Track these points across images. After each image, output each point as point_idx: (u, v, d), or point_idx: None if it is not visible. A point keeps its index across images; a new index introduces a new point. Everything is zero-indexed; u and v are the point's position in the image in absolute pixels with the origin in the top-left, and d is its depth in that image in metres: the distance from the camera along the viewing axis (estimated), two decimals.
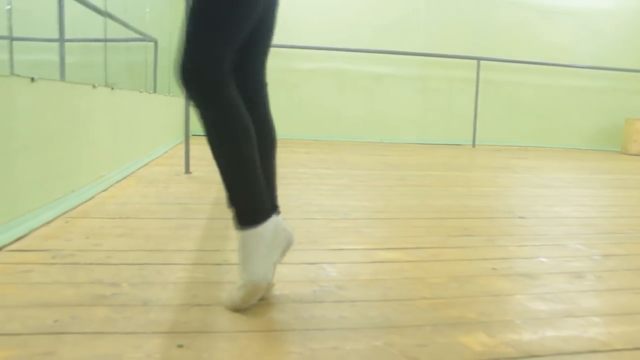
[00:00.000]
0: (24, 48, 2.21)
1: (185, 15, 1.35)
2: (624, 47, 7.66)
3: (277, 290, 1.53)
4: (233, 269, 1.69)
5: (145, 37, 4.33)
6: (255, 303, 1.41)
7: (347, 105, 7.18)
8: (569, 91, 7.69)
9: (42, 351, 1.12)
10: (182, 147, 4.55)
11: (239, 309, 1.37)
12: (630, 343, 1.28)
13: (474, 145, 7.19)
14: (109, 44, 3.35)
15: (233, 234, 1.90)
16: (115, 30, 3.48)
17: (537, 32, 7.48)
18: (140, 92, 4.02)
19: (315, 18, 6.98)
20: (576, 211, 2.88)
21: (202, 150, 4.21)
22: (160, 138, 4.85)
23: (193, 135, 4.07)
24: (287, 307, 1.41)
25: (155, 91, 4.63)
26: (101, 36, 3.23)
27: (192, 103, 1.35)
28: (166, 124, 5.24)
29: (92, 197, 2.65)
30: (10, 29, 2.00)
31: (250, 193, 1.36)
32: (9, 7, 1.99)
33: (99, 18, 3.18)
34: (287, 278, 1.64)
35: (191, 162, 3.79)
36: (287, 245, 1.47)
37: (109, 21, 3.32)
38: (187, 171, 3.67)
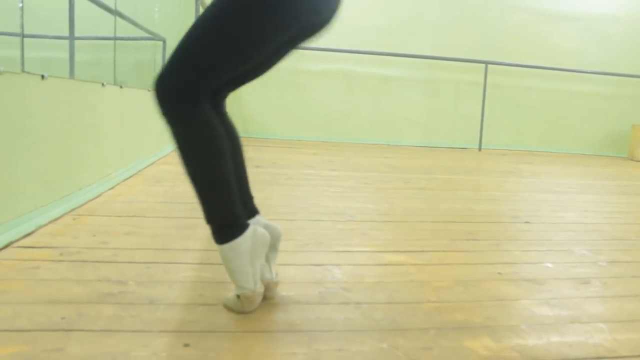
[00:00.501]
0: (35, 45, 2.22)
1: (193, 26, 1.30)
2: (631, 53, 7.64)
3: (283, 291, 1.53)
4: None
5: (154, 36, 4.34)
6: (260, 304, 1.41)
7: (354, 107, 7.18)
8: (576, 96, 7.66)
9: (50, 348, 1.13)
10: None
11: (242, 313, 1.38)
12: (636, 350, 1.28)
13: (480, 149, 7.18)
14: (118, 42, 3.36)
15: None
16: (124, 29, 3.49)
17: (545, 36, 7.46)
18: (149, 90, 4.03)
19: None
20: (582, 217, 2.88)
21: None
22: (168, 137, 4.86)
23: None
24: (292, 308, 1.42)
25: None
26: (111, 34, 3.25)
27: (164, 121, 1.31)
28: None
29: (99, 195, 2.66)
30: (22, 26, 2.02)
31: (225, 210, 1.34)
32: (21, 4, 2.00)
33: (109, 16, 3.20)
34: (293, 279, 1.64)
35: None
36: (275, 240, 1.47)
37: (119, 20, 3.33)
38: None
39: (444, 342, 1.27)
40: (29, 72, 2.03)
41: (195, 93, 1.27)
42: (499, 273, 1.82)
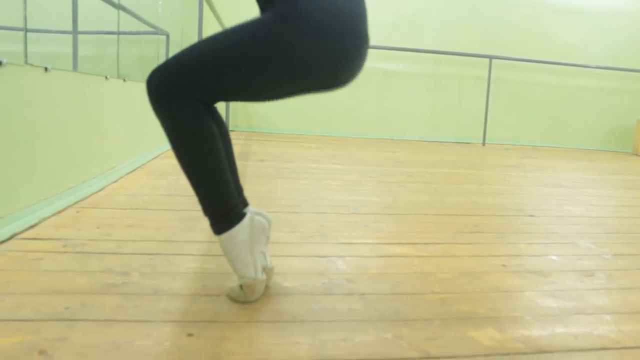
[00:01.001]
0: (38, 40, 2.22)
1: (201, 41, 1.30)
2: (637, 48, 7.60)
3: (287, 281, 1.53)
4: None
5: (157, 31, 4.33)
6: (264, 294, 1.42)
7: (358, 102, 7.17)
8: (580, 91, 7.63)
9: (54, 337, 1.13)
10: None
11: (246, 302, 1.38)
12: None
13: (484, 143, 7.16)
14: (121, 37, 3.36)
15: None
16: (127, 23, 3.49)
17: (549, 31, 7.43)
18: None
19: None
20: (586, 210, 2.86)
21: None
22: None
23: None
24: (296, 299, 1.42)
25: None
26: (114, 29, 3.24)
27: (154, 112, 1.32)
28: None
29: (103, 188, 2.66)
30: (25, 18, 2.01)
31: (220, 201, 1.35)
32: None
33: (112, 11, 3.19)
34: (297, 270, 1.64)
35: None
36: (268, 228, 1.46)
37: (122, 14, 3.33)
38: None
39: (449, 332, 1.26)
40: (32, 65, 2.03)
41: (183, 94, 1.28)
42: (504, 265, 1.82)
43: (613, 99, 7.71)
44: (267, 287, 1.47)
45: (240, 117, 6.93)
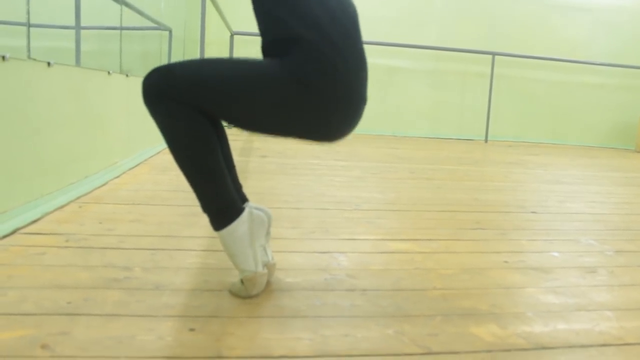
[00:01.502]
0: (41, 35, 2.22)
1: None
2: None
3: (289, 277, 1.53)
4: None
5: (160, 26, 4.33)
6: (266, 290, 1.42)
7: None
8: (583, 88, 7.62)
9: (56, 331, 1.13)
10: None
11: (247, 298, 1.38)
12: None
13: (486, 140, 7.15)
14: (124, 32, 3.36)
15: None
16: (130, 19, 3.49)
17: (552, 27, 7.41)
18: None
19: None
20: (588, 207, 2.86)
21: None
22: None
23: None
24: (298, 294, 1.42)
25: None
26: (117, 24, 3.24)
27: (148, 110, 1.33)
28: None
29: (105, 183, 2.66)
30: (27, 13, 2.01)
31: (218, 197, 1.35)
32: None
33: (115, 6, 3.19)
34: (299, 266, 1.64)
35: None
36: (268, 222, 1.47)
37: (125, 9, 3.32)
38: None
39: (450, 328, 1.26)
40: (35, 59, 2.03)
41: (179, 99, 1.29)
42: (505, 261, 1.82)
43: (616, 96, 7.69)
44: (268, 283, 1.47)
45: None
